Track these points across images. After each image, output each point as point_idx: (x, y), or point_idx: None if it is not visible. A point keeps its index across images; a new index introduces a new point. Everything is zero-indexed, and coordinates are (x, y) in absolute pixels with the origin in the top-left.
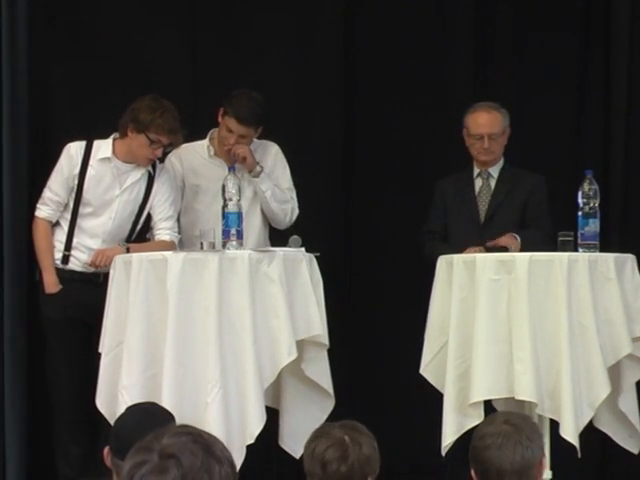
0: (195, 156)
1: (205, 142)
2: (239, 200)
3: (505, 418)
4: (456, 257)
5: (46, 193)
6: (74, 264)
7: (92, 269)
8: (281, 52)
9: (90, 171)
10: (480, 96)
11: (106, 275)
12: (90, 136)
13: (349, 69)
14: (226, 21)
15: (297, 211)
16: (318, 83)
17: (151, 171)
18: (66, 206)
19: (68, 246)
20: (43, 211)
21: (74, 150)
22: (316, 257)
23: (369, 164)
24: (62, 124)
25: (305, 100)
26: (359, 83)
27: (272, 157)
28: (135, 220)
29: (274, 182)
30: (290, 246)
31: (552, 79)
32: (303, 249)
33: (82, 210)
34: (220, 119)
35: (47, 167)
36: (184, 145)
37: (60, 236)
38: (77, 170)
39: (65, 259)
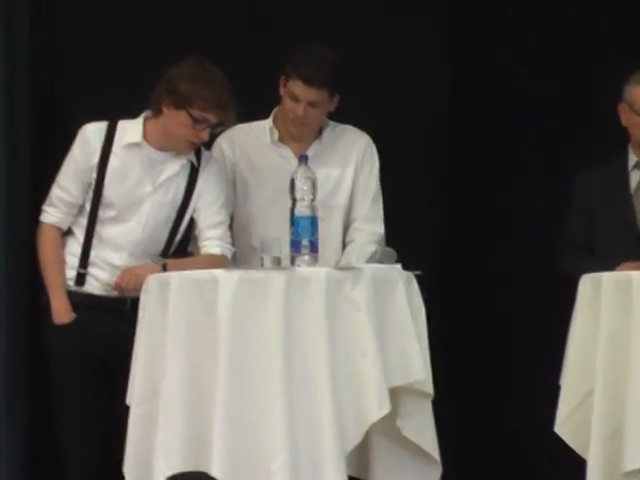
0: (253, 141)
1: (267, 123)
2: (313, 201)
3: None
4: (606, 276)
5: (54, 191)
6: (92, 285)
7: (116, 293)
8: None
9: (113, 161)
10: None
11: (135, 301)
12: (113, 116)
13: (460, 26)
14: None
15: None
16: (419, 51)
17: (194, 161)
18: (81, 208)
19: (84, 262)
20: (51, 215)
21: (92, 133)
22: (416, 276)
23: (481, 148)
24: (76, 100)
25: (399, 71)
26: (470, 48)
27: (360, 150)
28: (173, 227)
29: (356, 185)
30: (381, 261)
31: None
32: (399, 266)
33: (102, 214)
34: (282, 89)
35: (56, 157)
36: (238, 126)
37: (73, 248)
38: (95, 160)
39: (80, 279)
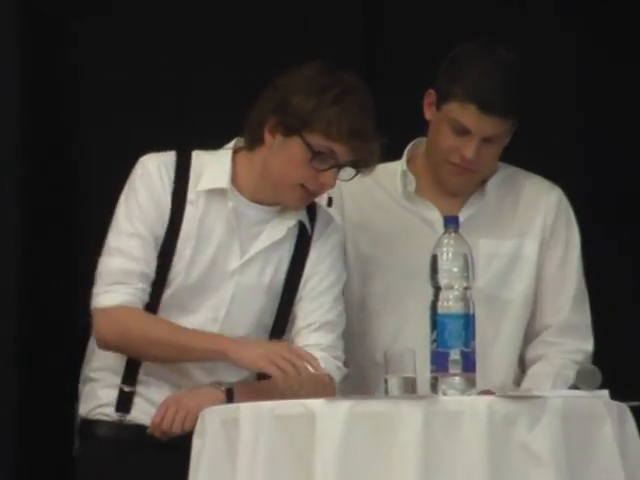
0: (374, 194)
1: (398, 166)
2: (467, 289)
3: None
4: None
5: (114, 261)
6: (142, 412)
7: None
8: None
9: (191, 214)
10: None
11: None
12: (180, 144)
13: None
14: None
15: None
16: None
17: (307, 224)
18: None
19: (131, 377)
20: (120, 293)
21: (156, 170)
22: (632, 409)
23: None
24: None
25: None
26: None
27: (549, 212)
28: (273, 325)
29: (544, 269)
30: (577, 385)
31: None
32: (606, 393)
33: (167, 298)
34: (431, 112)
35: (66, 212)
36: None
37: (110, 358)
38: (167, 209)
39: (124, 402)
